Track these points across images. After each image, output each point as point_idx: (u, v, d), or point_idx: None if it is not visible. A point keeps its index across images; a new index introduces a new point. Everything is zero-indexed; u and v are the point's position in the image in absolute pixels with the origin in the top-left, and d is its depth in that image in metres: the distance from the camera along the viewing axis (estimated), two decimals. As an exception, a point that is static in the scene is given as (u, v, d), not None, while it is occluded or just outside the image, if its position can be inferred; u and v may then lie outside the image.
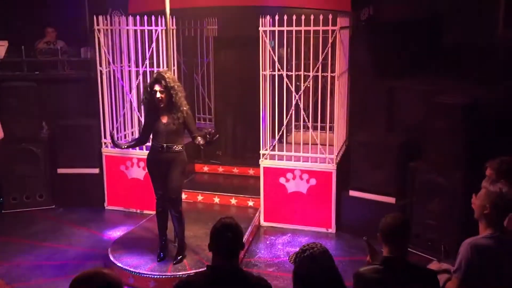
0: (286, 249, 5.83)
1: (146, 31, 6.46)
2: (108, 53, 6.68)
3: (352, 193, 6.19)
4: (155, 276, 4.91)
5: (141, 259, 5.18)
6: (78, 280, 2.27)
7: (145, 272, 4.95)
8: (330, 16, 5.87)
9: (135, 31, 6.56)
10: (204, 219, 6.00)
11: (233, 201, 6.76)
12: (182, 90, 5.00)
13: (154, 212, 5.39)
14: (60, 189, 7.07)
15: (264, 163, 6.40)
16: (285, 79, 6.19)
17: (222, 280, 2.77)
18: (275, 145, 6.44)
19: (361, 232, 4.79)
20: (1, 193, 6.97)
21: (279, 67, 6.19)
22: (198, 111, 8.50)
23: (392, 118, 6.77)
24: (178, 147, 4.98)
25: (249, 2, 6.62)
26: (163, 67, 6.17)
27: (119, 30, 6.63)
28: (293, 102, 6.22)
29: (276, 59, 6.19)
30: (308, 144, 6.27)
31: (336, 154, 6.29)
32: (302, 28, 6.00)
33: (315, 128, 6.30)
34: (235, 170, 7.57)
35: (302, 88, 6.20)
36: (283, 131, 6.37)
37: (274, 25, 6.09)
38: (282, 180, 6.35)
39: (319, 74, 6.19)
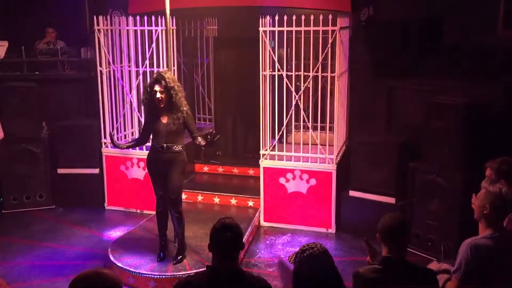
0: (286, 249, 5.83)
1: (146, 31, 6.45)
2: (108, 53, 6.68)
3: (352, 193, 6.19)
4: (155, 276, 4.91)
5: (141, 259, 5.17)
6: (78, 280, 2.27)
7: (145, 272, 4.95)
8: (330, 16, 5.87)
9: (135, 31, 6.56)
10: (204, 219, 6.00)
11: (233, 201, 6.76)
12: (182, 90, 5.00)
13: (154, 212, 5.39)
14: (60, 189, 7.07)
15: (264, 163, 6.40)
16: (285, 79, 6.19)
17: (222, 280, 2.78)
18: (275, 145, 6.44)
19: (361, 232, 4.80)
20: (1, 193, 6.97)
21: (279, 67, 6.19)
22: (198, 111, 8.50)
23: (392, 118, 6.77)
24: (178, 147, 4.98)
25: (249, 2, 6.62)
26: (163, 67, 6.18)
27: (119, 30, 6.63)
28: (293, 102, 6.22)
29: (276, 59, 6.19)
30: (308, 144, 6.27)
31: (336, 154, 6.29)
32: (302, 28, 6.00)
33: (315, 128, 6.30)
34: (235, 170, 7.57)
35: (302, 88, 6.20)
36: (283, 131, 6.37)
37: (274, 25, 6.09)
38: (282, 180, 6.36)
39: (319, 74, 6.19)
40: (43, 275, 5.25)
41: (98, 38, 6.64)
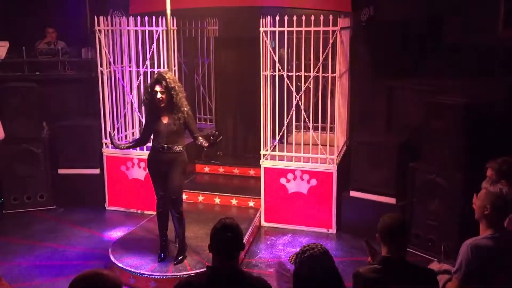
0: (286, 250, 5.83)
1: (146, 31, 6.46)
2: (109, 54, 6.68)
3: (353, 193, 6.19)
4: (156, 277, 4.91)
5: (142, 259, 5.18)
6: (78, 280, 2.27)
7: (146, 273, 4.95)
8: (331, 17, 5.87)
9: (136, 31, 6.56)
10: (205, 219, 6.00)
11: (234, 201, 6.75)
12: (182, 91, 5.00)
13: (154, 213, 5.39)
14: (61, 189, 7.07)
15: (264, 163, 6.40)
16: (286, 80, 6.19)
17: (223, 281, 2.78)
18: (275, 146, 6.44)
19: (362, 232, 4.81)
20: (2, 194, 6.98)
21: (280, 68, 6.19)
22: (199, 112, 8.51)
23: (392, 118, 6.78)
24: (178, 148, 4.98)
25: (250, 2, 6.62)
26: (163, 68, 6.18)
27: (120, 30, 6.63)
28: (294, 103, 6.23)
29: (276, 60, 6.19)
30: (308, 144, 6.27)
31: (337, 154, 6.29)
32: (303, 28, 5.99)
33: (315, 129, 6.30)
34: (236, 171, 7.56)
35: (303, 88, 6.20)
36: (283, 131, 6.37)
37: (274, 26, 6.09)
38: (282, 180, 6.36)
39: (320, 74, 6.19)
40: (43, 275, 5.26)
41: (99, 38, 6.64)
